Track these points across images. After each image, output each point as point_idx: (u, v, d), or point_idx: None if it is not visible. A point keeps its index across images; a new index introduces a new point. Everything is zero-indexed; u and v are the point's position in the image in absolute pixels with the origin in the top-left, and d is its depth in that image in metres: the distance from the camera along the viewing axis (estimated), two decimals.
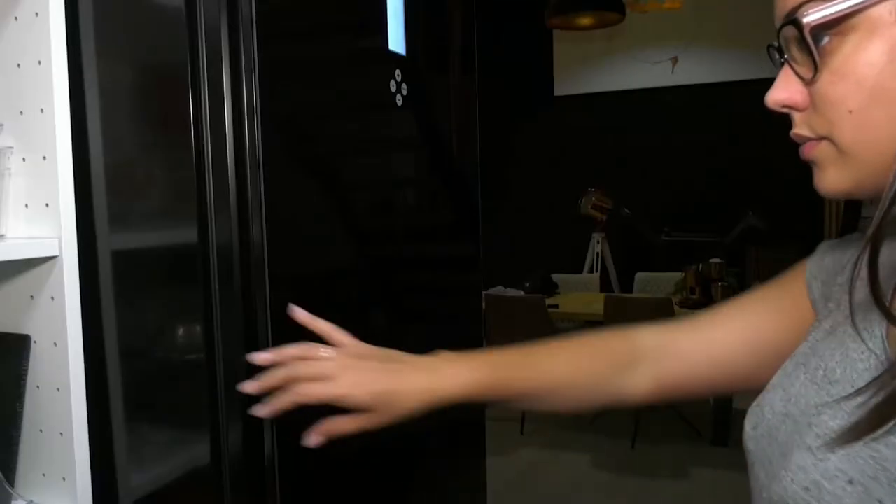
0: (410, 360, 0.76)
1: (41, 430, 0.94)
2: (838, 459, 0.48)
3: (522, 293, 4.19)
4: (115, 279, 0.95)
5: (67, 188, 0.90)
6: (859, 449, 0.47)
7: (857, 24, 0.47)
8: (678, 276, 4.08)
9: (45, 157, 0.90)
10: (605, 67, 5.71)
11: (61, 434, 0.91)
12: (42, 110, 0.89)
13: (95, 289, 0.94)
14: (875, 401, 0.47)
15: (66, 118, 0.90)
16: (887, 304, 0.48)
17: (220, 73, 0.88)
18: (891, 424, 0.46)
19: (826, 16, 0.48)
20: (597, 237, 5.19)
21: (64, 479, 0.92)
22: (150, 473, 0.97)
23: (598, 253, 5.18)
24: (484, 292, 3.08)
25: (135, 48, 0.94)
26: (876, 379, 0.49)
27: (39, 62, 0.89)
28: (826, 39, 0.49)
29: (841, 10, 0.47)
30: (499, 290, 4.25)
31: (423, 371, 0.75)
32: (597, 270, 5.15)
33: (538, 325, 3.65)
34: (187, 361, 0.93)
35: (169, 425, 0.97)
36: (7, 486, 0.93)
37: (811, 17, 0.48)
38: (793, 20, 0.49)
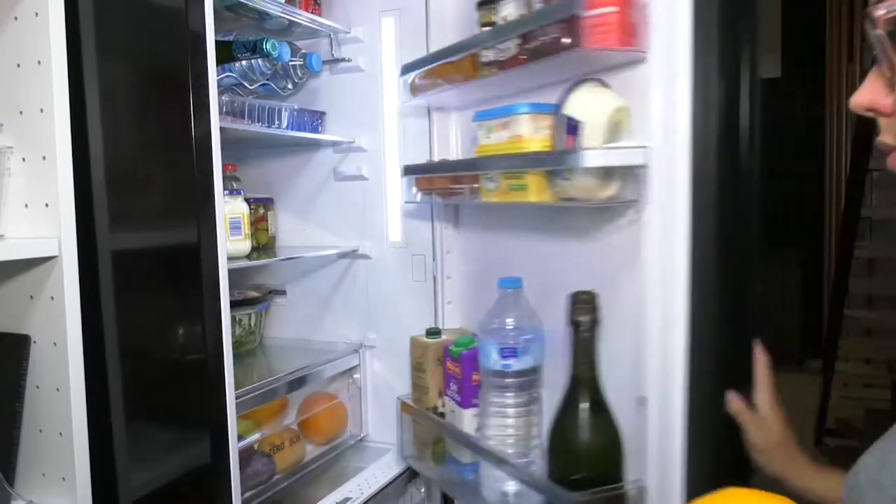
0: None
1: (41, 430, 0.94)
2: None
3: None
4: (115, 279, 0.95)
5: (67, 188, 0.90)
6: None
7: None
8: None
9: (45, 157, 0.89)
10: None
11: (61, 434, 0.91)
12: (42, 110, 0.89)
13: (95, 289, 0.94)
14: None
15: (66, 118, 0.90)
16: None
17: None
18: None
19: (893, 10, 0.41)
20: None
21: (64, 479, 0.92)
22: (150, 473, 0.97)
23: None
24: None
25: (135, 48, 0.94)
26: None
27: (39, 62, 0.89)
28: None
29: None
30: None
31: None
32: None
33: None
34: (187, 361, 0.93)
35: (169, 425, 0.97)
36: (7, 486, 0.93)
37: (881, 11, 0.42)
38: (867, 14, 0.44)
